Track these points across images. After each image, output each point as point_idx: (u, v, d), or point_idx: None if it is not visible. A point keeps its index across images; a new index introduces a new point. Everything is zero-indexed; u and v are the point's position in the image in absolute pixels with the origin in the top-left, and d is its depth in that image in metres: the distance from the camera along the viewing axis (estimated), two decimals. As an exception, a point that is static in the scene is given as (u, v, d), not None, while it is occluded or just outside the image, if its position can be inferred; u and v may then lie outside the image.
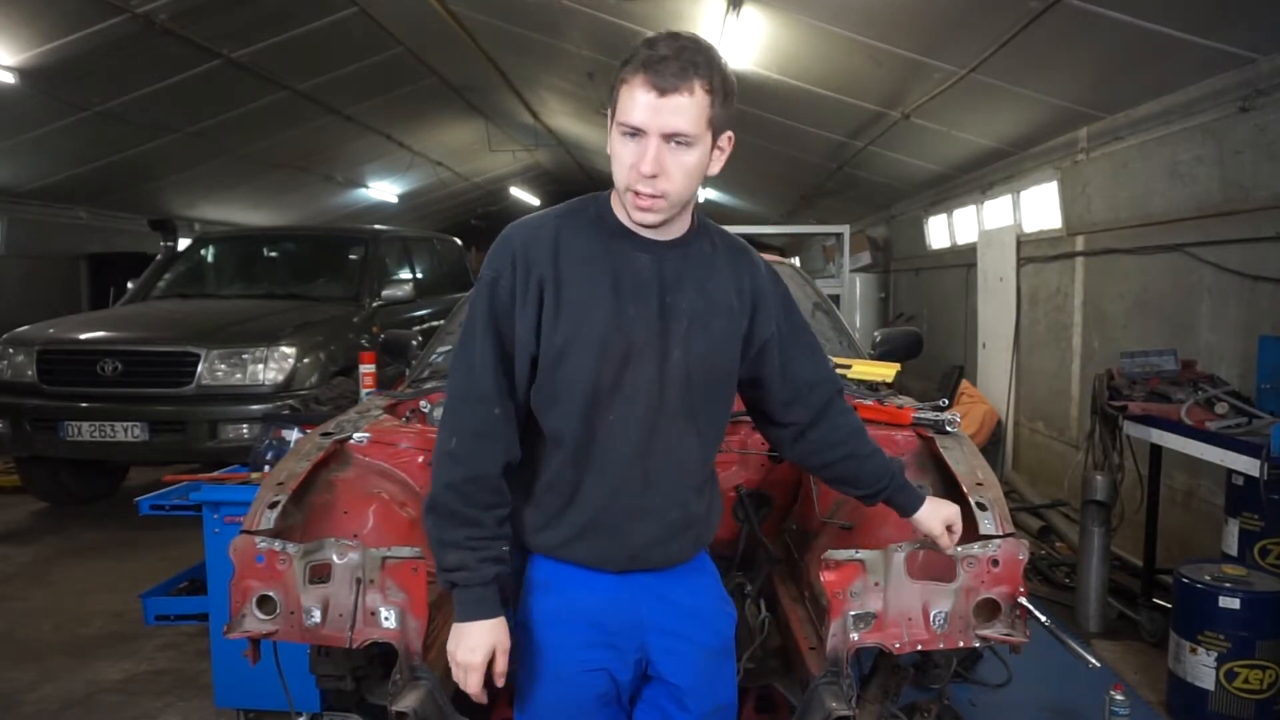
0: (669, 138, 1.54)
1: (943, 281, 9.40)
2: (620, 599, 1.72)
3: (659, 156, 1.55)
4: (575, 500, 1.69)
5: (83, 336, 6.00)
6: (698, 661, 1.77)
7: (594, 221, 1.69)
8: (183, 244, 8.08)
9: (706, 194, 15.80)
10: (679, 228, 1.70)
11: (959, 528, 1.87)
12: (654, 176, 1.55)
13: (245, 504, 2.21)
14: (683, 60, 1.53)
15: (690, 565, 1.81)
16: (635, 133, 1.55)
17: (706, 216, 1.79)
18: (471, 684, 1.64)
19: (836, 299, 8.82)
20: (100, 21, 6.51)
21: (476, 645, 1.63)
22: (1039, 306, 6.66)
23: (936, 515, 1.87)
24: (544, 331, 1.63)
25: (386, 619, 1.92)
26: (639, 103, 1.53)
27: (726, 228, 1.85)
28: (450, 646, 1.65)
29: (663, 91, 1.52)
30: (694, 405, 1.71)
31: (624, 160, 1.58)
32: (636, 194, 1.58)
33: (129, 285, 7.65)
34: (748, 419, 2.08)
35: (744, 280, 1.77)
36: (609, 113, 1.62)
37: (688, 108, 1.53)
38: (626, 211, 1.64)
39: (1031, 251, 6.78)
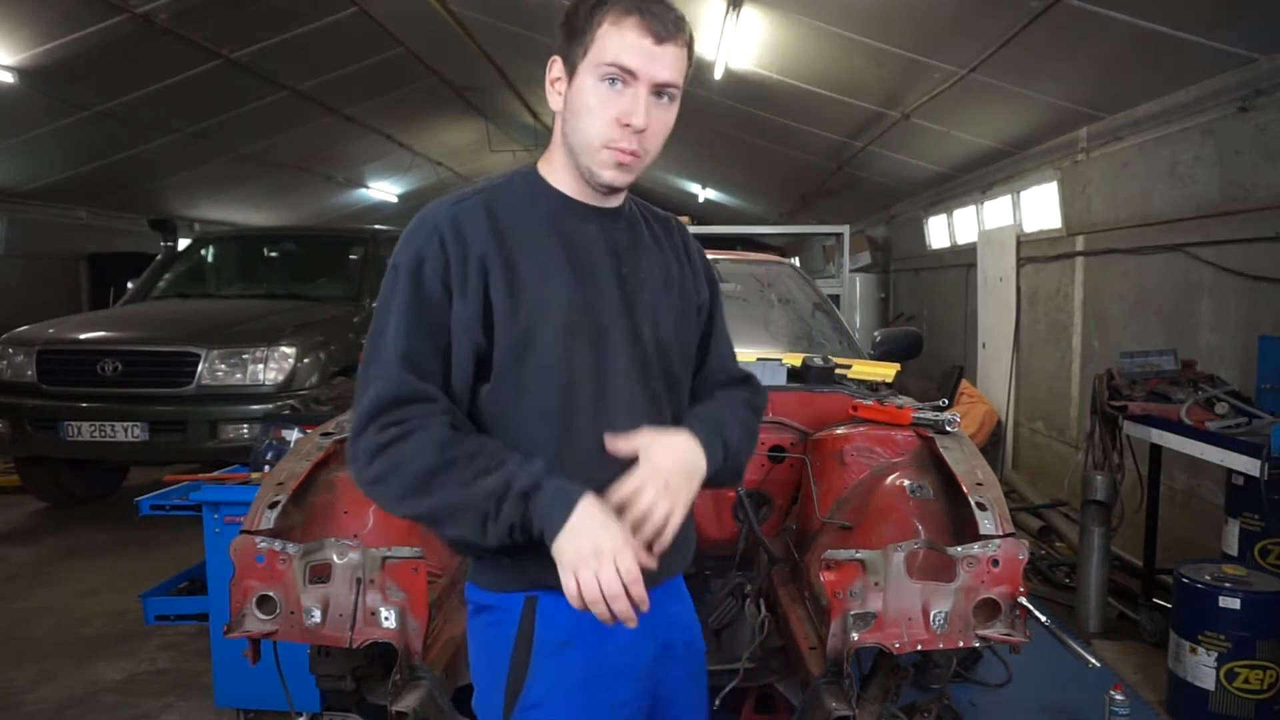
0: (659, 90, 1.38)
1: (943, 281, 9.40)
2: (627, 634, 1.39)
3: (649, 109, 1.37)
4: None
5: (83, 336, 6.00)
6: (698, 687, 1.62)
7: (526, 191, 1.47)
8: (183, 244, 8.08)
9: (706, 194, 15.80)
10: (620, 196, 1.51)
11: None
12: (642, 131, 1.37)
13: (245, 504, 2.21)
14: (674, 11, 1.39)
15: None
16: (622, 78, 1.35)
17: None
18: (627, 564, 1.26)
19: (836, 299, 8.81)
20: (100, 21, 6.50)
21: (605, 522, 1.28)
22: (1039, 306, 6.66)
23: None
24: (498, 319, 1.38)
25: (386, 619, 1.93)
26: (632, 46, 1.34)
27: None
28: (572, 556, 1.27)
29: (659, 39, 1.35)
30: (669, 386, 1.53)
31: (603, 111, 1.37)
32: (619, 150, 1.38)
33: (129, 285, 7.65)
34: None
35: (678, 247, 1.60)
36: (569, 58, 1.40)
37: (679, 60, 1.39)
38: (589, 171, 1.42)
39: (1031, 251, 6.78)
